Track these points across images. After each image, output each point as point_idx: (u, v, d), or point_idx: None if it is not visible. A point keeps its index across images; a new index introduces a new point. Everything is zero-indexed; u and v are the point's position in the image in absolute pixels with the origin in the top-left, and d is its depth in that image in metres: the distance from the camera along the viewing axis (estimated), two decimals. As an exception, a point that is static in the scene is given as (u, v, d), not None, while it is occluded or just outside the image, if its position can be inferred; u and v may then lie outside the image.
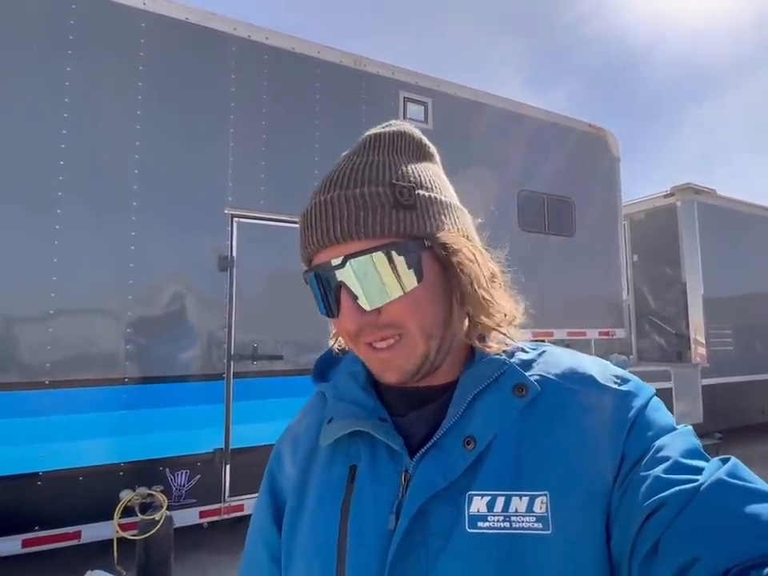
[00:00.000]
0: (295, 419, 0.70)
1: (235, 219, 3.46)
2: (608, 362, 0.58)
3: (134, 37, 3.23)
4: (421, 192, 0.54)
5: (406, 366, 0.54)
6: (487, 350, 0.57)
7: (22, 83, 2.92)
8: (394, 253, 0.51)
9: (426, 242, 0.53)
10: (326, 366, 0.68)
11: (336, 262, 0.51)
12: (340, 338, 0.66)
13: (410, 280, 0.52)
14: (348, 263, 0.51)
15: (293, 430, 0.68)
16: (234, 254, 3.43)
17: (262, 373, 3.49)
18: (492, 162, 4.47)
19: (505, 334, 0.58)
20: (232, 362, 3.39)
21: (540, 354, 0.58)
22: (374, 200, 0.52)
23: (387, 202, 0.52)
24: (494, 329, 0.57)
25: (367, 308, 0.52)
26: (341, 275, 0.51)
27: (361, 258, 0.51)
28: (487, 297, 0.55)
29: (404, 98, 4.19)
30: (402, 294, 0.51)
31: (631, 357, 6.42)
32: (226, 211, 3.43)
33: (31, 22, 2.97)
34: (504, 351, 0.57)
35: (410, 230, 0.52)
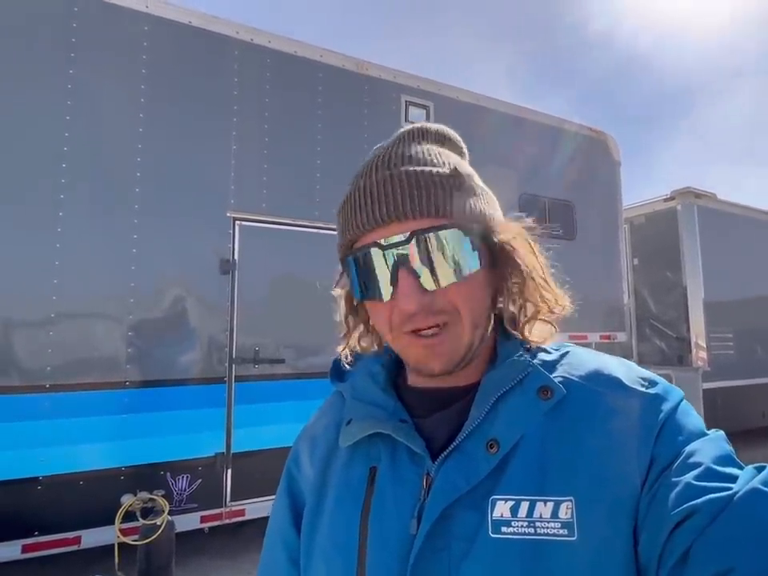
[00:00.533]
0: (313, 419, 0.69)
1: (237, 222, 3.45)
2: (632, 363, 0.57)
3: (137, 40, 3.23)
4: (476, 182, 0.55)
5: (452, 354, 0.52)
6: (533, 342, 0.57)
7: (25, 85, 2.91)
8: (461, 233, 0.50)
9: (484, 229, 0.53)
10: (343, 366, 0.67)
11: (400, 238, 0.49)
12: (350, 345, 0.65)
13: (474, 263, 0.51)
14: (414, 239, 0.49)
15: (311, 430, 0.67)
16: (236, 257, 3.42)
17: (263, 376, 3.47)
18: (493, 166, 4.47)
19: (552, 324, 0.58)
20: (233, 366, 3.37)
21: (563, 355, 0.57)
22: (441, 179, 0.51)
23: (452, 184, 0.51)
24: (544, 319, 0.58)
25: (431, 288, 0.50)
26: (404, 252, 0.49)
27: (430, 235, 0.49)
28: (546, 286, 0.56)
29: (405, 101, 4.20)
30: (466, 276, 0.51)
31: (632, 360, 6.41)
32: (228, 214, 3.42)
33: (34, 25, 2.97)
34: (528, 351, 0.56)
35: (472, 214, 0.52)
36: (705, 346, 5.99)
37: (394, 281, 0.50)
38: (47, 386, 2.83)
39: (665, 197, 6.49)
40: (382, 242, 0.50)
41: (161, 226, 3.21)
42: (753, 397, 6.36)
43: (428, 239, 0.49)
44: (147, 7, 3.25)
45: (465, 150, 0.61)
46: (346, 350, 0.66)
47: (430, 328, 0.51)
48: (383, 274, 0.51)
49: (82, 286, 2.97)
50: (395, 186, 0.50)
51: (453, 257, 0.50)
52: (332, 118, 3.86)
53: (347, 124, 3.94)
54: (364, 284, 0.53)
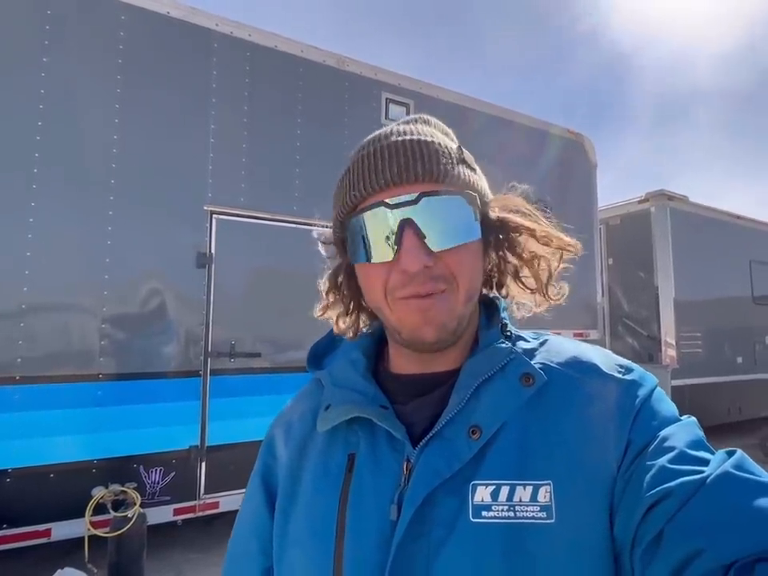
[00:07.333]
0: (288, 406, 0.68)
1: (214, 216, 3.44)
2: (609, 351, 0.58)
3: (114, 30, 3.18)
4: (476, 165, 0.59)
5: (446, 322, 0.53)
6: (525, 300, 0.63)
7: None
8: (465, 201, 0.53)
9: (485, 203, 0.58)
10: (321, 353, 0.68)
11: (409, 198, 0.50)
12: (339, 322, 0.66)
13: (475, 233, 0.54)
14: (423, 200, 0.50)
15: (286, 416, 0.66)
16: (213, 250, 3.41)
17: (239, 370, 3.47)
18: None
19: (549, 299, 0.63)
20: (209, 359, 3.37)
21: (542, 343, 0.59)
22: (449, 150, 0.54)
23: (458, 157, 0.55)
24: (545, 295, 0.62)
25: (435, 248, 0.51)
26: (411, 212, 0.50)
27: (438, 198, 0.51)
28: (552, 232, 0.62)
29: (386, 98, 4.22)
30: (467, 241, 0.53)
31: (605, 358, 6.54)
32: (205, 207, 3.41)
33: (5, 12, 2.91)
34: (508, 338, 0.58)
35: (474, 189, 0.55)
36: (674, 344, 6.16)
37: (399, 240, 0.51)
38: (17, 377, 2.80)
39: (639, 198, 6.64)
40: (390, 201, 0.51)
41: (136, 219, 3.18)
42: (719, 394, 6.57)
43: (436, 202, 0.51)
44: (124, -4, 3.21)
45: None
46: (337, 324, 0.66)
47: (427, 295, 0.51)
48: (388, 233, 0.51)
49: (55, 277, 2.94)
50: (406, 150, 0.52)
51: (457, 223, 0.52)
52: (312, 114, 3.86)
53: (327, 120, 3.94)
54: (365, 245, 0.53)
